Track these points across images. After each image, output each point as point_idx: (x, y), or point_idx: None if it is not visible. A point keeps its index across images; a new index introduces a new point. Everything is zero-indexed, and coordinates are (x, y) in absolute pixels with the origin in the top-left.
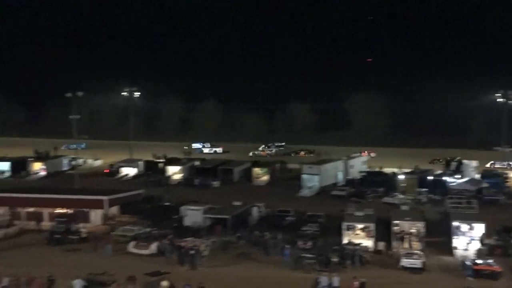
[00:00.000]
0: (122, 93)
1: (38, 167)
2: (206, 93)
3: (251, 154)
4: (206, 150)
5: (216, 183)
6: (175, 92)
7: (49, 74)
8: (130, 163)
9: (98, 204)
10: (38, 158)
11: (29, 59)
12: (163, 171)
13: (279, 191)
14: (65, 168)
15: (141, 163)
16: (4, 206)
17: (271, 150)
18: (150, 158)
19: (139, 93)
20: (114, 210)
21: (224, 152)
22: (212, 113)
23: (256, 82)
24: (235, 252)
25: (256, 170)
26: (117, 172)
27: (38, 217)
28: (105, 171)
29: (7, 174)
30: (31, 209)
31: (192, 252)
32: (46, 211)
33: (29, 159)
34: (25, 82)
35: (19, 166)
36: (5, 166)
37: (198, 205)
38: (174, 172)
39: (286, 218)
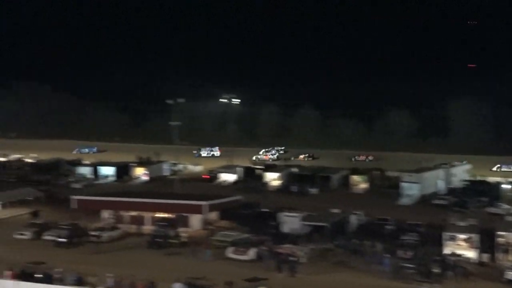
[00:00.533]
0: (221, 100)
1: (140, 172)
2: (304, 99)
3: (254, 158)
4: (204, 154)
5: (314, 190)
6: (273, 98)
7: (151, 81)
8: (229, 169)
9: (197, 209)
10: (140, 163)
11: (131, 67)
12: (261, 177)
13: (378, 199)
14: (166, 173)
15: (240, 169)
16: (109, 210)
17: (274, 154)
18: (249, 164)
19: (238, 100)
20: (213, 215)
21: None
22: (309, 119)
23: (354, 88)
24: (333, 260)
25: (355, 178)
26: (216, 178)
27: (140, 221)
28: (204, 176)
29: (111, 179)
30: (133, 213)
31: (292, 258)
32: (147, 215)
33: (132, 164)
34: (127, 89)
35: (123, 171)
36: (110, 171)
37: (296, 212)
38: (272, 178)
39: (385, 226)
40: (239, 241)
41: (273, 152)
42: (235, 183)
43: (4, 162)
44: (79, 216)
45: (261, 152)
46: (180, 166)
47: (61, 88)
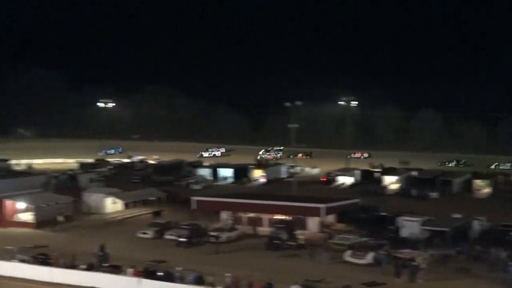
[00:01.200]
0: (339, 102)
1: (258, 174)
2: (424, 101)
3: (258, 157)
4: (205, 154)
5: (434, 194)
6: (393, 100)
7: (270, 84)
8: (346, 172)
9: (315, 212)
10: (258, 166)
11: (251, 70)
12: (379, 180)
13: (503, 204)
14: (283, 176)
15: (357, 172)
16: (227, 211)
17: (277, 153)
18: (367, 167)
19: (356, 102)
20: (331, 218)
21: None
22: (430, 122)
23: (477, 90)
24: (454, 266)
25: (478, 182)
26: (334, 180)
27: (257, 223)
28: (322, 179)
29: (230, 180)
30: (251, 215)
31: (414, 263)
32: (265, 217)
33: (250, 166)
34: (247, 92)
35: (241, 172)
36: (228, 172)
37: (415, 216)
38: (391, 182)
39: (510, 233)
40: (357, 245)
41: (272, 151)
42: (353, 186)
43: (128, 163)
44: (199, 217)
45: (260, 152)
46: (297, 169)
47: (185, 92)
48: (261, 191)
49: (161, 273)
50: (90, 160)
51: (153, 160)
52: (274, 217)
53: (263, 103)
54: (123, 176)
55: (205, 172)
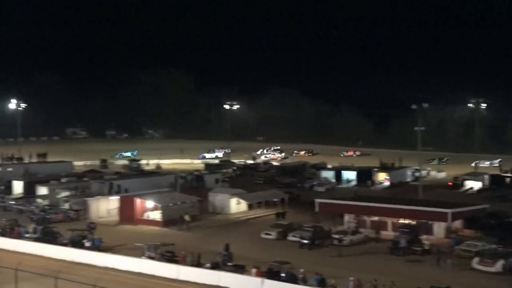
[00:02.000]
0: (468, 104)
1: (382, 177)
2: None
3: (263, 157)
4: (208, 156)
5: None
6: None
7: (395, 86)
8: (475, 176)
9: (442, 217)
10: (383, 168)
11: (375, 72)
12: (510, 185)
13: None
14: (408, 179)
15: (486, 177)
16: (350, 214)
17: (282, 154)
18: (497, 172)
19: (485, 104)
20: (458, 223)
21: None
22: None
23: None
24: None
25: None
26: (461, 185)
27: (381, 226)
28: (449, 183)
29: (353, 183)
30: (375, 218)
31: None
32: (389, 221)
33: (374, 169)
34: (371, 94)
35: (365, 175)
36: (352, 175)
37: None
38: None
39: None
40: (486, 252)
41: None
42: (481, 191)
43: (252, 164)
44: (322, 219)
45: (258, 152)
46: (423, 172)
47: (309, 93)
48: (385, 195)
49: (284, 274)
50: (216, 161)
51: (277, 161)
52: (399, 221)
53: (388, 104)
54: (247, 177)
55: (328, 175)
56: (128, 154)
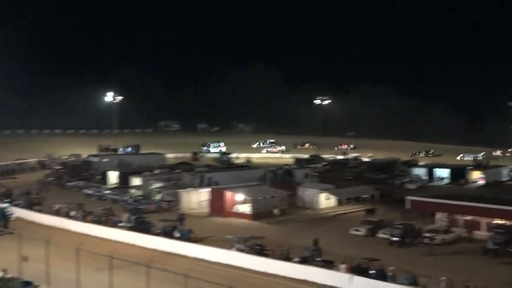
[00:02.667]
0: None
1: (477, 176)
2: None
3: (265, 151)
4: (212, 150)
5: None
6: None
7: (489, 83)
8: None
9: None
10: (477, 167)
11: (467, 68)
12: None
13: None
14: (504, 178)
15: None
16: (443, 212)
17: (282, 147)
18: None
19: None
20: None
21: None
22: None
23: None
24: None
25: None
26: None
27: (474, 226)
28: None
29: (446, 181)
30: (468, 217)
31: None
32: (483, 221)
33: (468, 168)
34: (463, 91)
35: (458, 173)
36: (445, 173)
37: None
38: None
39: None
40: None
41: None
42: None
43: (343, 160)
44: (412, 217)
45: (254, 145)
46: None
47: (400, 90)
48: (479, 194)
49: (373, 271)
50: (306, 156)
51: (367, 157)
52: (493, 221)
53: (482, 102)
54: (336, 173)
55: (420, 172)
56: (216, 149)
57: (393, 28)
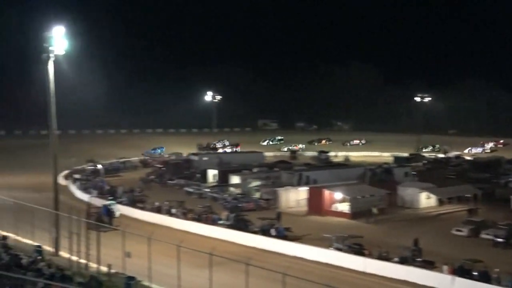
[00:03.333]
0: None
1: None
2: None
3: (285, 149)
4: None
5: None
6: None
7: None
8: None
9: None
10: None
11: None
12: None
13: None
14: None
15: None
16: None
17: (302, 145)
18: None
19: None
20: None
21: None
22: None
23: None
24: None
25: None
26: None
27: None
28: None
29: None
30: None
31: None
32: None
33: None
34: None
35: None
36: None
37: None
38: None
39: None
40: None
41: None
42: None
43: (443, 158)
44: None
45: (264, 143)
46: None
47: (504, 86)
48: None
49: (477, 273)
50: (405, 154)
51: (469, 156)
52: None
53: None
54: (437, 172)
55: None
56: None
57: (496, 21)
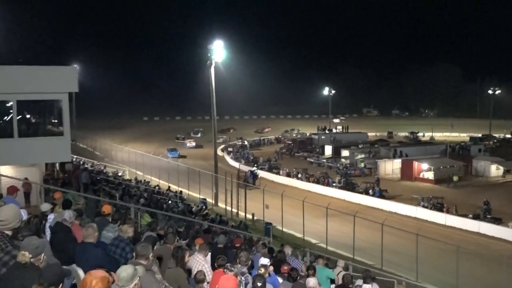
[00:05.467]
0: None
1: None
2: None
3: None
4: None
5: None
6: None
7: None
8: None
9: None
10: None
11: None
12: None
13: None
14: None
15: None
16: None
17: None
18: None
19: None
20: None
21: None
22: None
23: None
24: None
25: None
26: None
27: None
28: None
29: None
30: None
31: None
32: None
33: None
34: None
35: None
36: None
37: None
38: None
39: None
40: None
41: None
42: None
43: (511, 138)
44: None
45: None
46: None
47: None
48: None
49: None
50: (479, 135)
51: None
52: None
53: None
54: (506, 149)
55: None
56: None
57: None
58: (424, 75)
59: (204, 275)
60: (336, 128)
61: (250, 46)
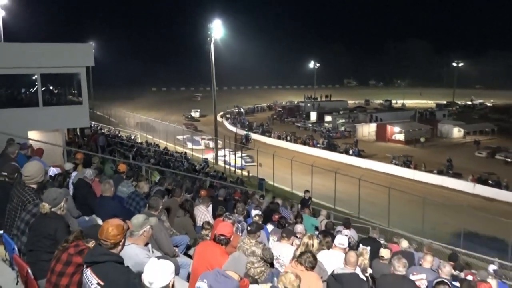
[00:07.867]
0: None
1: None
2: None
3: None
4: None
5: None
6: None
7: None
8: None
9: None
10: None
11: None
12: None
13: None
14: None
15: None
16: None
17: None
18: None
19: None
20: None
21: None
22: None
23: None
24: None
25: None
26: None
27: None
28: None
29: None
30: None
31: None
32: None
33: None
34: None
35: None
36: None
37: None
38: None
39: None
40: None
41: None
42: None
43: (471, 105)
44: None
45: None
46: None
47: None
48: None
49: (491, 182)
50: (444, 102)
51: (489, 103)
52: None
53: None
54: (466, 114)
55: None
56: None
57: None
58: (399, 49)
59: (209, 224)
60: (321, 97)
61: (248, 24)
